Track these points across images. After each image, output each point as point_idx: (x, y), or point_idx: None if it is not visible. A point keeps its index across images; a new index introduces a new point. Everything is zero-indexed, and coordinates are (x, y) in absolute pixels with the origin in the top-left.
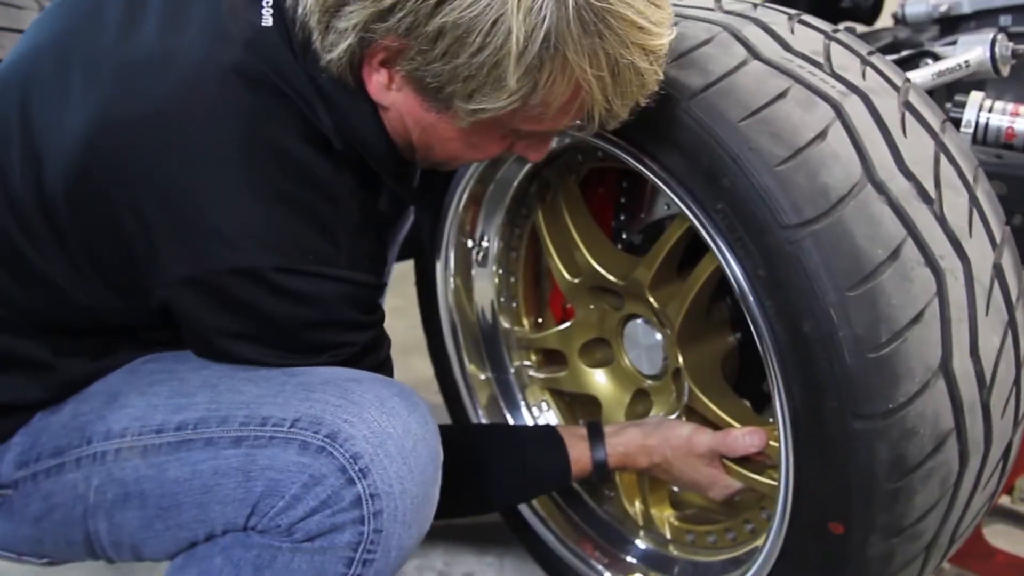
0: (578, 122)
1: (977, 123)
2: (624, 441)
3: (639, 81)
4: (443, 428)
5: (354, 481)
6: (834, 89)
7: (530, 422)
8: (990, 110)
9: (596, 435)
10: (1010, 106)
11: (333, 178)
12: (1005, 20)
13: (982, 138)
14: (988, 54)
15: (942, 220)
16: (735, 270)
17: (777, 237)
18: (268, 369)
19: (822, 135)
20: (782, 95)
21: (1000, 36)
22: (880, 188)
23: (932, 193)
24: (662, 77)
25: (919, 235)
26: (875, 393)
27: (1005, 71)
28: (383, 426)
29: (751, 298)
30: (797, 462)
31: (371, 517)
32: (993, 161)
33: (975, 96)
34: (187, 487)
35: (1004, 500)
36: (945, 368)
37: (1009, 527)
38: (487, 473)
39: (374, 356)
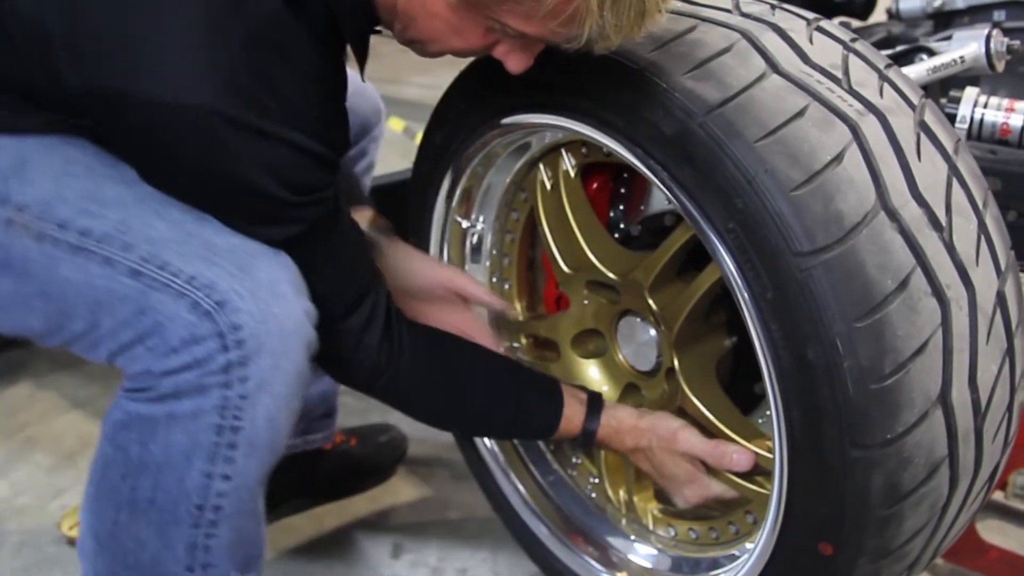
0: (566, 34)
1: (972, 119)
2: (618, 416)
3: (639, 6)
4: (455, 338)
5: (228, 348)
6: (851, 108)
7: None
8: (985, 106)
9: (595, 404)
10: (1005, 102)
11: (290, 28)
12: (999, 15)
13: (977, 134)
14: (983, 50)
15: (951, 248)
16: (742, 290)
17: (788, 263)
18: (183, 210)
19: (839, 158)
20: (800, 113)
21: (995, 32)
22: (893, 216)
23: (943, 220)
24: (663, 15)
25: (928, 264)
26: (875, 423)
27: (1000, 67)
28: (269, 306)
29: (757, 320)
30: (791, 484)
31: (237, 382)
32: (988, 157)
33: (970, 92)
34: (80, 292)
35: (998, 495)
36: (944, 398)
37: (1003, 523)
38: (478, 395)
39: (318, 245)
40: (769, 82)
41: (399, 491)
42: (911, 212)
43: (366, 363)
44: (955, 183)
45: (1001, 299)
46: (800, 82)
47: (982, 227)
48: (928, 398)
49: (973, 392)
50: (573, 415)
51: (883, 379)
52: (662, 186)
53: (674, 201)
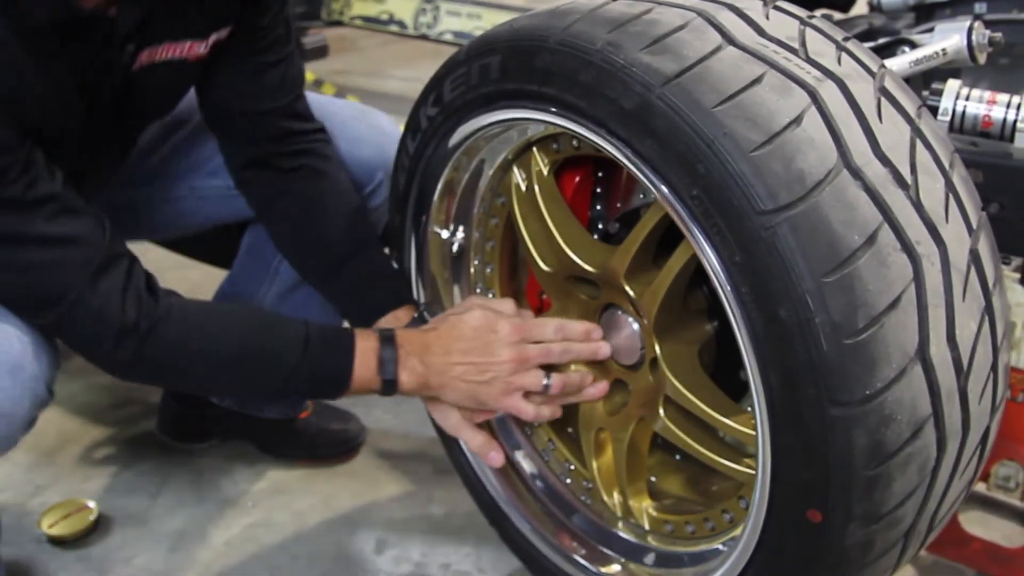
0: None
1: (954, 111)
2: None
3: None
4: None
5: None
6: (809, 75)
7: None
8: (967, 98)
9: (388, 334)
10: (987, 94)
11: None
12: (980, 7)
13: (959, 126)
14: (965, 42)
15: (918, 205)
16: (711, 257)
17: (753, 223)
18: None
19: (797, 120)
20: (757, 80)
21: (977, 24)
22: (856, 174)
23: (908, 179)
24: None
25: (895, 220)
26: (852, 380)
27: (982, 59)
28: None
29: (727, 285)
30: (775, 449)
31: None
32: (969, 149)
33: (952, 84)
34: None
35: (980, 487)
36: (922, 354)
37: (985, 514)
38: (258, 339)
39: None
40: (726, 53)
41: (382, 487)
42: (874, 170)
43: (112, 326)
44: (919, 144)
45: (975, 257)
46: (757, 52)
47: (949, 186)
48: (905, 354)
49: (953, 349)
50: (367, 351)
51: (857, 334)
52: (627, 162)
53: (639, 175)
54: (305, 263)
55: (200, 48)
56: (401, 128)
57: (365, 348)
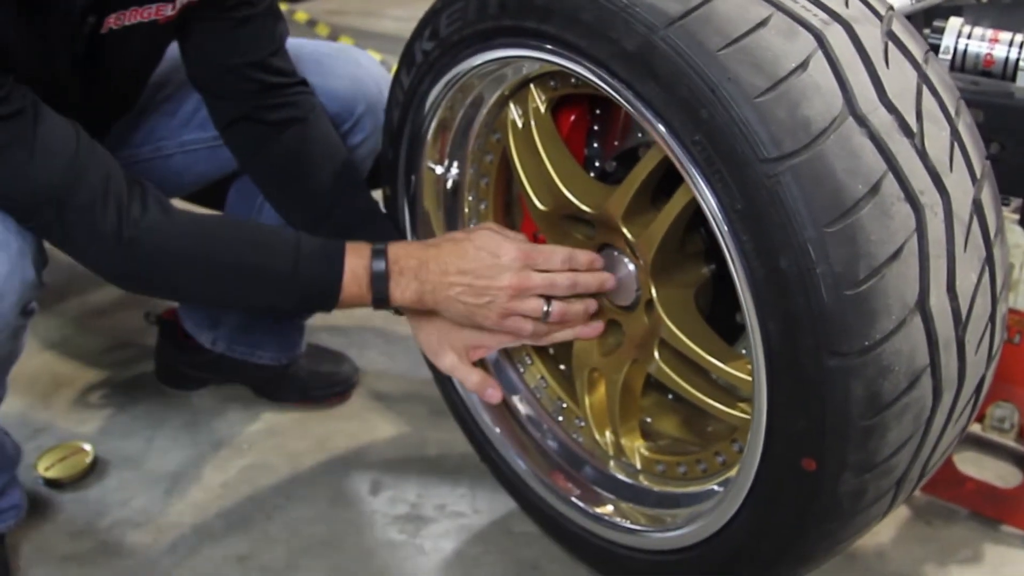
0: None
1: (956, 50)
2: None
3: None
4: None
5: None
6: (816, 17)
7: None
8: (968, 36)
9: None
10: (989, 32)
11: None
12: None
13: (960, 65)
14: None
15: (923, 154)
16: (712, 203)
17: (756, 171)
18: None
19: (803, 65)
20: (763, 23)
21: None
22: (861, 121)
23: (914, 126)
24: None
25: (899, 169)
26: (851, 330)
27: None
28: None
29: (727, 232)
30: (771, 398)
31: None
32: (970, 88)
33: (954, 23)
34: None
35: (975, 428)
36: (922, 305)
37: (980, 455)
38: (248, 244)
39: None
40: None
41: (377, 429)
42: (880, 118)
43: (92, 234)
44: (925, 90)
45: (978, 207)
46: None
47: (955, 134)
48: (905, 305)
49: (952, 300)
50: (358, 267)
51: (857, 285)
52: (627, 105)
53: (640, 118)
54: (292, 213)
55: (167, 10)
56: (380, 63)
57: (355, 263)
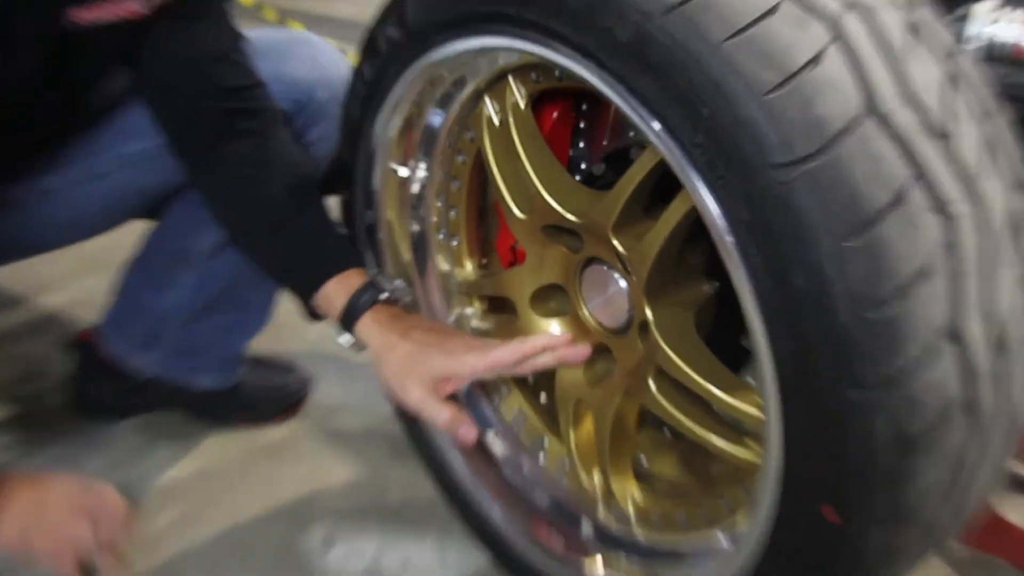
0: None
1: (984, 38)
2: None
3: None
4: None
5: None
6: (831, 4)
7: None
8: (998, 23)
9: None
10: (1019, 16)
11: None
12: None
13: (989, 55)
14: None
15: (953, 158)
16: (714, 213)
17: (765, 177)
18: None
19: (817, 58)
20: (772, 10)
21: None
22: (883, 121)
23: (942, 126)
24: None
25: (927, 176)
26: (873, 358)
27: None
28: None
29: (733, 246)
30: (786, 435)
31: None
32: (1004, 81)
33: (981, 7)
34: None
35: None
36: (953, 329)
37: None
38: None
39: None
40: None
41: (330, 471)
42: (904, 118)
43: None
44: (955, 86)
45: (1016, 217)
46: None
47: (989, 135)
48: (935, 329)
49: (988, 323)
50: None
51: (880, 306)
52: (619, 100)
53: (633, 117)
54: (238, 227)
55: (140, 7)
56: (336, 50)
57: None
